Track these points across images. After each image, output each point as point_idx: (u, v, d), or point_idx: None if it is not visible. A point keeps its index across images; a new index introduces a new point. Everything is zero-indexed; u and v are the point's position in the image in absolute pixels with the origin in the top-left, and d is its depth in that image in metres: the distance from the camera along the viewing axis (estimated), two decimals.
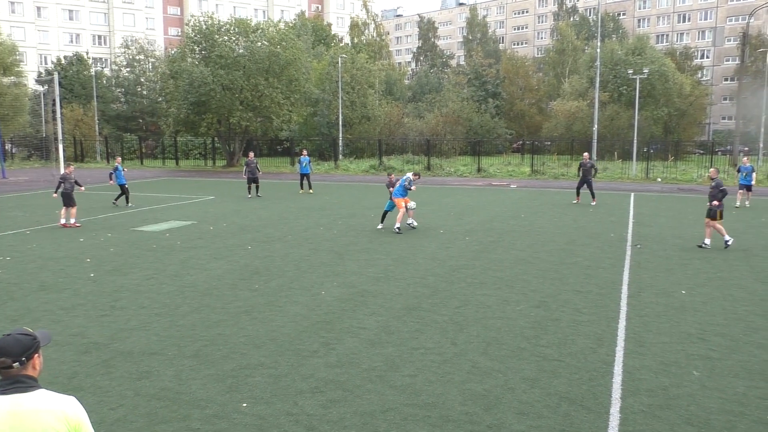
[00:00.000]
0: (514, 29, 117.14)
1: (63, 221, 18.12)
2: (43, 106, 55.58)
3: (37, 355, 3.03)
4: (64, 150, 35.70)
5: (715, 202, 14.38)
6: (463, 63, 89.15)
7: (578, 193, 23.76)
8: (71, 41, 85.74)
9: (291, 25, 59.95)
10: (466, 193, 27.70)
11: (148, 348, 8.04)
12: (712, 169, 16.29)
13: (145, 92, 65.54)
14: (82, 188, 19.36)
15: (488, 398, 6.54)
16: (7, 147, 52.38)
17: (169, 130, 49.15)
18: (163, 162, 51.43)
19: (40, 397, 2.96)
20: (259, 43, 43.87)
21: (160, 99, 54.06)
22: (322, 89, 51.99)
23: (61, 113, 39.76)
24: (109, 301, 10.28)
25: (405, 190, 16.82)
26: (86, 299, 10.39)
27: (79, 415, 2.99)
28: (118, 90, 66.13)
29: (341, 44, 75.52)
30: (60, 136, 34.70)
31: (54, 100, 38.50)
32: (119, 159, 24.61)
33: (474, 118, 59.48)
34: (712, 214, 14.50)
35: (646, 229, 17.36)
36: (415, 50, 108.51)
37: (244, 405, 6.38)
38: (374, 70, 55.54)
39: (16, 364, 2.91)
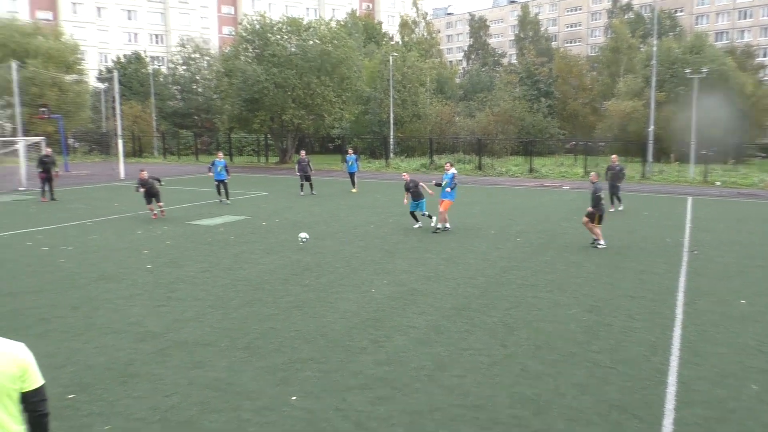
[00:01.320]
0: (567, 27, 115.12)
1: (155, 212, 19.09)
2: (103, 102, 57.38)
3: None
4: (123, 145, 36.79)
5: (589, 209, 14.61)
6: (515, 61, 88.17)
7: (612, 200, 21.42)
8: (130, 40, 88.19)
9: (342, 23, 60.32)
10: (518, 193, 27.39)
11: (201, 339, 8.23)
12: (592, 173, 15.85)
13: (200, 90, 66.92)
14: (162, 183, 19.74)
15: (537, 403, 6.46)
16: (69, 142, 54.29)
17: (223, 127, 50.12)
18: None
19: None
20: (311, 42, 44.28)
21: (215, 96, 55.17)
22: (373, 87, 52.16)
23: (121, 110, 40.99)
24: (166, 292, 10.56)
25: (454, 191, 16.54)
26: (144, 289, 10.70)
27: (26, 359, 3.37)
28: (175, 87, 67.70)
29: (392, 42, 75.62)
30: (120, 132, 35.77)
31: (114, 97, 39.74)
32: (220, 154, 24.53)
33: (526, 117, 58.72)
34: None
35: (703, 235, 16.84)
36: (466, 48, 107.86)
37: (294, 398, 6.47)
38: (425, 68, 55.42)
39: None
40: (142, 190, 18.77)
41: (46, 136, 37.57)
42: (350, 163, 28.09)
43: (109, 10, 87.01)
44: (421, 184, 17.28)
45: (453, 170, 16.68)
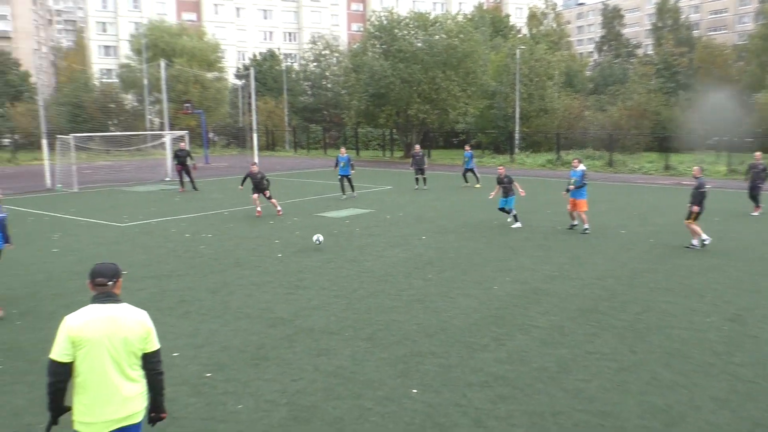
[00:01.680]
0: (711, 14, 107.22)
1: (258, 209, 18.65)
2: (240, 98, 60.63)
3: (120, 279, 4.16)
4: (257, 139, 38.69)
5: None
6: (651, 52, 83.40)
7: (758, 201, 19.36)
8: (265, 38, 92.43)
9: (469, 17, 59.81)
10: (652, 192, 25.97)
11: (327, 327, 8.52)
12: (696, 168, 14.57)
13: (329, 85, 68.99)
14: (267, 191, 18.80)
15: (670, 414, 6.11)
16: (210, 135, 57.88)
17: (350, 122, 51.35)
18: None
19: (126, 307, 4.06)
20: (437, 36, 44.29)
21: (343, 92, 56.61)
22: (499, 81, 51.31)
23: (256, 105, 43.07)
24: (294, 280, 11.02)
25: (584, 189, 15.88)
26: (274, 277, 11.23)
27: (150, 324, 4.11)
28: (306, 83, 70.25)
29: (519, 35, 73.98)
30: (254, 126, 37.63)
31: (250, 93, 41.84)
32: (342, 150, 24.44)
33: (662, 111, 55.47)
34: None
35: None
36: (597, 40, 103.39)
37: (414, 391, 6.54)
38: (553, 61, 53.68)
39: (109, 283, 4.04)
40: (241, 187, 19.04)
41: (189, 130, 40.29)
42: (466, 159, 27.96)
43: (247, 10, 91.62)
44: (515, 183, 16.97)
45: (582, 167, 16.06)
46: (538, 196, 23.62)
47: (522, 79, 49.18)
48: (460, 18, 47.90)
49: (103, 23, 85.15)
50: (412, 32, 45.31)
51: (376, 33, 46.17)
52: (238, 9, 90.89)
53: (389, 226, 16.88)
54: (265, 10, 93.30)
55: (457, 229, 16.30)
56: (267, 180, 18.81)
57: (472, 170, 27.65)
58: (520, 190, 17.11)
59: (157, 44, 59.22)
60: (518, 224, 16.59)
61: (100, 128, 54.82)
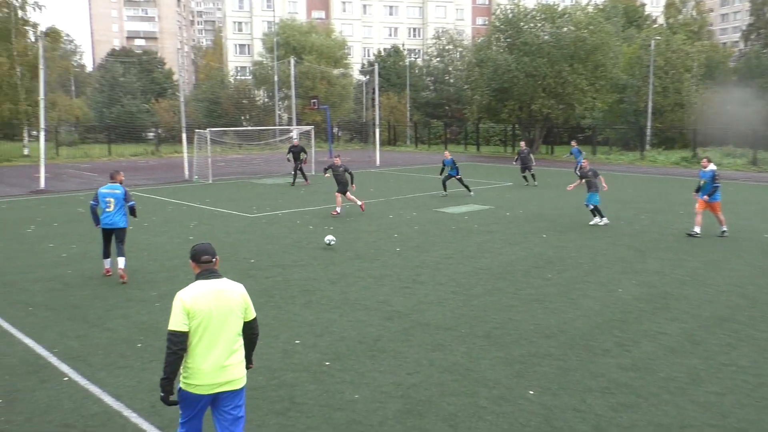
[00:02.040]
0: None
1: (337, 210, 17.80)
2: (364, 94, 61.83)
3: (218, 257, 4.64)
4: (379, 134, 39.32)
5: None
6: None
7: None
8: (390, 34, 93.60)
9: (600, 7, 57.34)
10: None
11: (443, 323, 8.52)
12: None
13: (452, 80, 68.80)
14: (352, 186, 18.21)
15: None
16: (334, 130, 59.53)
17: (472, 117, 50.94)
18: (465, 147, 53.55)
19: (227, 281, 4.56)
20: (565, 29, 42.88)
21: (466, 87, 56.21)
22: (630, 74, 48.87)
23: (379, 101, 43.77)
24: (412, 275, 11.11)
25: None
26: (392, 271, 11.38)
27: (247, 296, 4.61)
28: (428, 78, 70.46)
29: (654, 25, 70.01)
30: (377, 122, 38.27)
31: (374, 89, 42.56)
32: (446, 153, 23.46)
33: None
34: None
35: None
36: (744, 28, 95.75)
37: (531, 392, 6.40)
38: (692, 52, 50.39)
39: (212, 261, 4.54)
40: (327, 175, 18.64)
41: (315, 125, 41.62)
42: (577, 155, 27.22)
43: (374, 6, 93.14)
44: (600, 176, 16.56)
45: (712, 167, 14.85)
46: (670, 196, 22.33)
47: (656, 72, 46.59)
48: (590, 9, 46.06)
49: (239, 23, 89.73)
50: (539, 25, 44.17)
51: (501, 26, 45.43)
52: (364, 6, 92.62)
53: (508, 223, 16.59)
54: (390, 6, 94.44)
55: (579, 228, 15.74)
56: (350, 173, 18.11)
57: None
58: (603, 184, 16.65)
59: (288, 42, 61.68)
60: (605, 220, 16.23)
61: (234, 123, 57.98)
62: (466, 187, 21.85)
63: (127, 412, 5.95)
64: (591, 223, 16.22)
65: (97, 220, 10.98)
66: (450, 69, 69.47)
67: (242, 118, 62.21)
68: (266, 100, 63.77)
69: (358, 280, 10.73)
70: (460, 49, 68.54)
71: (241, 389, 4.52)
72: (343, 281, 10.69)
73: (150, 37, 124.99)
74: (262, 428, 5.66)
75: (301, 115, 52.19)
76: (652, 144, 44.75)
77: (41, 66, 25.58)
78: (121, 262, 10.75)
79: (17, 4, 43.71)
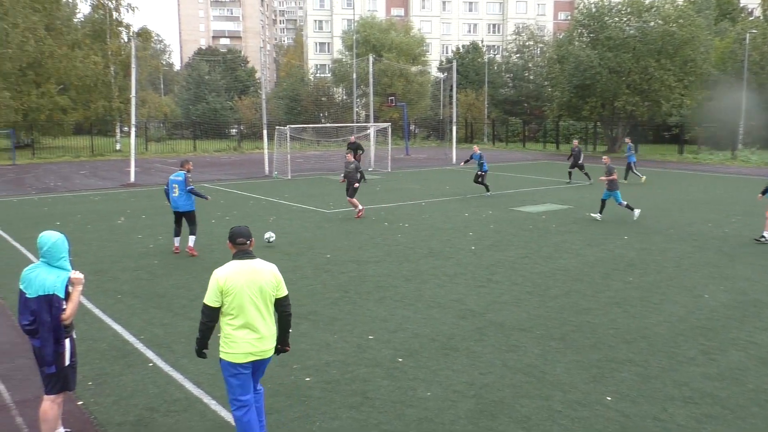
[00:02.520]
0: None
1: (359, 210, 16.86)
2: (441, 91, 61.58)
3: (252, 240, 5.05)
4: (456, 131, 39.08)
5: None
6: None
7: None
8: (469, 31, 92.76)
9: (691, 0, 54.89)
10: None
11: (518, 323, 8.40)
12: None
13: (531, 77, 67.59)
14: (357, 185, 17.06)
15: None
16: (411, 128, 59.59)
17: (552, 114, 49.87)
18: (543, 146, 52.52)
19: (261, 262, 4.98)
20: (653, 23, 41.29)
21: (546, 83, 55.09)
22: (722, 70, 46.58)
23: (457, 98, 43.50)
24: (486, 274, 11.00)
25: None
26: (467, 269, 11.30)
27: (279, 275, 5.04)
28: (507, 75, 69.47)
29: (750, 18, 66.35)
30: (454, 119, 38.05)
31: (451, 86, 42.33)
32: (475, 147, 22.69)
33: None
34: None
35: None
36: None
37: (608, 398, 6.22)
38: None
39: (247, 242, 4.96)
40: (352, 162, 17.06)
41: (392, 122, 41.76)
42: (629, 153, 26.57)
43: (453, 3, 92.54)
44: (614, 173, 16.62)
45: None
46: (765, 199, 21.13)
47: (751, 68, 44.17)
48: (680, 1, 44.15)
49: (320, 21, 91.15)
50: (624, 19, 42.71)
51: (585, 21, 44.20)
52: (443, 2, 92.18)
53: (588, 223, 16.16)
54: (470, 3, 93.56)
55: (663, 230, 15.15)
56: (361, 173, 17.10)
57: (630, 164, 26.30)
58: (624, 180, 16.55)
59: (367, 40, 62.21)
60: (599, 216, 16.59)
61: (313, 120, 59.03)
62: (486, 186, 21.33)
63: (207, 399, 6.17)
64: (592, 215, 16.76)
65: (169, 200, 12.78)
66: (530, 65, 68.24)
67: (321, 115, 63.26)
68: (344, 97, 64.56)
69: (432, 278, 10.71)
70: (541, 45, 67.20)
71: (269, 359, 5.04)
72: (417, 278, 10.70)
73: (234, 36, 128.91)
74: (335, 421, 5.74)
75: (378, 113, 52.51)
76: (744, 143, 42.51)
77: (133, 65, 26.80)
78: (190, 240, 12.37)
79: (112, 6, 46.03)
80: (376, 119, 47.61)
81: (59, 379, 5.09)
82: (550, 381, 6.63)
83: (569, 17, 72.26)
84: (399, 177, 26.42)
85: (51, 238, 5.06)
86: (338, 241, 13.86)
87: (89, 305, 9.09)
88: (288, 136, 29.23)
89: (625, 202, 16.56)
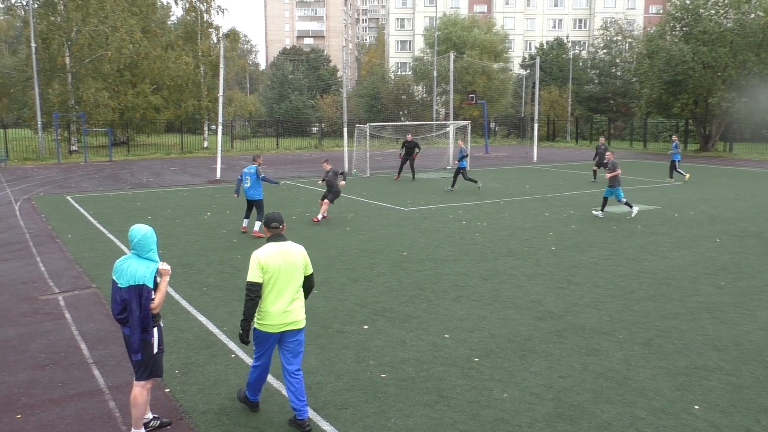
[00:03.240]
0: None
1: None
2: (523, 88, 60.57)
3: (285, 224, 5.74)
4: (538, 129, 38.32)
5: None
6: None
7: None
8: (554, 27, 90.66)
9: None
10: None
11: (599, 326, 8.15)
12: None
13: (619, 73, 65.38)
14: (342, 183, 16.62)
15: None
16: (491, 126, 58.88)
17: (640, 112, 48.07)
18: (630, 144, 50.73)
19: (292, 244, 5.64)
20: (753, 15, 39.05)
21: (634, 80, 53.13)
22: None
23: (539, 95, 42.63)
24: (566, 275, 10.73)
25: None
26: (546, 270, 11.06)
27: (306, 255, 5.67)
28: (593, 72, 67.48)
29: None
30: (536, 117, 37.33)
31: (534, 83, 41.53)
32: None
33: None
34: None
35: None
36: None
37: (696, 407, 5.94)
38: None
39: (280, 227, 5.66)
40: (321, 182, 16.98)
41: (472, 120, 41.40)
42: (675, 150, 25.49)
43: None
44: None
45: None
46: None
47: None
48: None
49: (402, 19, 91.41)
50: (721, 12, 40.61)
51: (678, 14, 42.32)
52: None
53: (676, 224, 15.48)
54: None
55: (761, 233, 14.32)
56: (343, 173, 16.74)
57: (674, 163, 25.35)
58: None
59: (449, 37, 61.93)
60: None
61: (392, 118, 59.32)
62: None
63: (285, 392, 6.32)
64: (633, 214, 16.54)
65: (237, 191, 14.82)
66: (617, 61, 66.02)
67: (400, 113, 63.47)
68: (424, 95, 64.52)
69: (510, 278, 10.55)
70: (630, 40, 64.86)
71: (302, 329, 5.62)
72: (495, 278, 10.56)
73: (318, 35, 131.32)
74: (410, 419, 5.75)
75: (458, 110, 52.20)
76: None
77: (221, 65, 27.74)
78: (256, 225, 14.15)
79: (203, 9, 47.82)
80: (456, 117, 47.32)
81: (147, 366, 5.33)
82: (633, 387, 6.40)
83: (661, 11, 69.42)
84: (478, 175, 26.14)
85: (141, 230, 5.31)
86: (415, 238, 13.87)
87: (176, 297, 9.49)
88: (368, 134, 29.49)
89: (625, 199, 16.55)
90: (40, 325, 8.33)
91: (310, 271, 5.71)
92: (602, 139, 26.08)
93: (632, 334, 7.90)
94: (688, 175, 25.62)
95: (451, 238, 13.93)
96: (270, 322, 5.46)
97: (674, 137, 26.70)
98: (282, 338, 5.55)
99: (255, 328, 5.54)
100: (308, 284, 5.72)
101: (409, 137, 26.09)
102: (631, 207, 16.56)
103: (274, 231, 5.63)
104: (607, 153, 17.79)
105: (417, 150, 25.95)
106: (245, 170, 14.31)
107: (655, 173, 28.58)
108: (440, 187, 23.39)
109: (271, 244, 5.56)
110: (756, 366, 6.90)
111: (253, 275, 5.44)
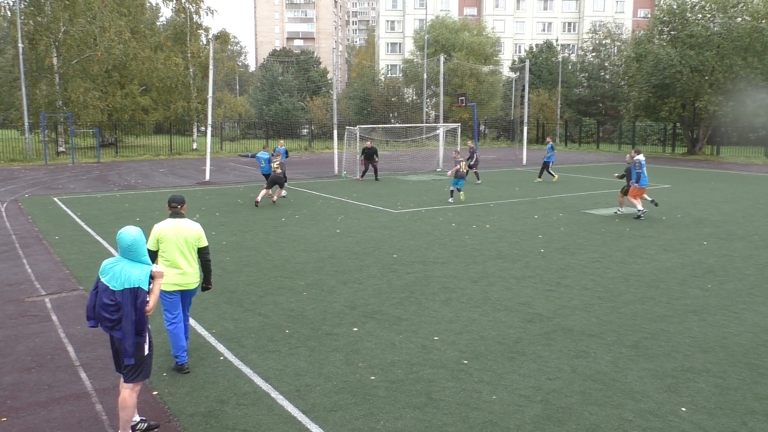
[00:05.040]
0: None
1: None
2: (513, 91, 60.75)
3: (184, 205, 6.90)
4: (527, 132, 38.45)
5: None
6: None
7: None
8: (543, 30, 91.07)
9: None
10: None
11: (587, 329, 8.18)
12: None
13: (607, 76, 65.76)
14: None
15: None
16: (481, 128, 59.02)
17: (628, 115, 48.39)
18: (619, 147, 50.99)
19: (187, 221, 6.81)
20: (740, 19, 39.42)
21: (622, 83, 53.49)
22: None
23: (529, 98, 42.78)
24: (556, 277, 10.77)
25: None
26: (535, 272, 11.10)
27: (201, 231, 6.87)
28: (582, 75, 67.83)
29: None
30: (525, 119, 37.45)
31: (523, 86, 41.68)
32: (282, 142, 24.28)
33: None
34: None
35: None
36: None
37: (683, 409, 5.98)
38: None
39: (177, 206, 6.83)
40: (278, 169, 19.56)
41: (462, 122, 41.46)
42: (549, 153, 26.34)
43: (528, 1, 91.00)
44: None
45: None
46: None
47: None
48: None
49: (392, 21, 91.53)
50: (708, 16, 40.95)
51: (665, 18, 42.64)
52: (518, 1, 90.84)
53: (664, 227, 15.58)
54: (545, 0, 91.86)
55: (747, 236, 14.44)
56: (284, 175, 19.71)
57: (546, 164, 26.17)
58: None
59: (438, 40, 62.03)
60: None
61: (383, 120, 59.36)
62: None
63: (275, 394, 6.30)
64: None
65: (249, 156, 21.93)
66: (606, 64, 66.42)
67: (391, 115, 63.52)
68: (414, 97, 64.60)
69: (499, 280, 10.58)
70: (618, 44, 65.26)
71: (193, 290, 6.91)
72: (484, 280, 10.59)
73: (308, 37, 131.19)
74: (399, 421, 5.75)
75: (448, 113, 52.30)
76: None
77: (211, 66, 27.65)
78: (282, 191, 19.69)
79: (192, 10, 47.66)
80: (446, 119, 47.42)
81: (139, 369, 5.30)
82: (621, 389, 6.43)
83: (649, 15, 69.90)
84: (467, 178, 26.20)
85: (131, 235, 5.26)
86: (405, 241, 13.88)
87: None
88: (358, 136, 29.49)
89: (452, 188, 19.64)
90: (26, 328, 8.26)
91: (204, 244, 6.84)
92: (548, 139, 27.33)
93: (620, 336, 7.94)
94: (556, 177, 26.29)
95: (441, 240, 13.95)
96: (168, 281, 6.53)
97: (548, 139, 27.51)
98: (182, 297, 6.82)
99: (162, 290, 6.42)
100: (202, 256, 6.86)
101: (368, 144, 26.95)
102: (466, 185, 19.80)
103: (173, 209, 6.81)
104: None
105: (376, 157, 26.87)
106: (258, 155, 20.74)
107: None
108: (431, 189, 23.42)
109: (169, 220, 6.78)
110: (742, 368, 6.96)
111: (149, 243, 6.53)
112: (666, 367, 6.97)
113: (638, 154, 16.67)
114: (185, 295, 6.89)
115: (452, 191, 20.25)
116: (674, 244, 13.61)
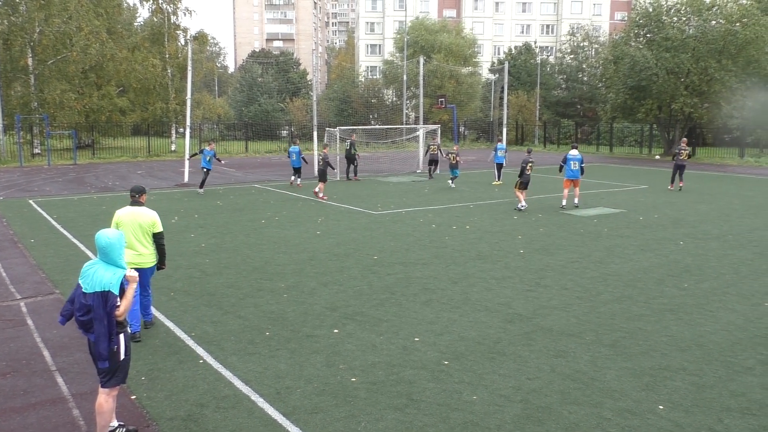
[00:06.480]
0: None
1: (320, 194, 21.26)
2: (492, 92, 61.09)
3: (144, 194, 7.96)
4: (506, 133, 38.66)
5: None
6: None
7: None
8: (522, 32, 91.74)
9: None
10: None
11: (566, 329, 8.25)
12: None
13: (585, 78, 66.39)
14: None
15: None
16: (461, 130, 59.24)
17: (605, 116, 48.89)
18: (596, 148, 51.51)
19: (144, 208, 7.82)
20: (714, 22, 40.03)
21: (600, 85, 54.03)
22: None
23: (508, 100, 43.05)
24: (535, 277, 10.85)
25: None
26: (515, 273, 11.17)
27: (156, 218, 7.87)
28: (560, 77, 68.40)
29: None
30: (504, 121, 37.66)
31: (502, 88, 41.93)
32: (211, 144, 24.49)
33: None
34: None
35: None
36: None
37: (661, 407, 6.05)
38: None
39: (136, 195, 7.87)
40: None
41: (442, 124, 41.57)
42: (499, 153, 27.31)
43: (506, 4, 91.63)
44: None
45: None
46: None
47: None
48: (744, 0, 42.68)
49: (372, 23, 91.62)
50: (684, 19, 41.53)
51: (641, 21, 43.17)
52: (497, 3, 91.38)
53: (641, 228, 15.76)
54: (523, 3, 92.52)
55: (722, 236, 14.66)
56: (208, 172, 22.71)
57: (500, 165, 26.98)
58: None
59: (417, 41, 62.19)
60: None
61: (363, 122, 59.34)
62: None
63: (255, 397, 6.27)
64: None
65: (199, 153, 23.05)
66: (584, 66, 67.05)
67: (370, 116, 63.52)
68: (394, 99, 64.67)
69: (479, 281, 10.63)
70: (596, 46, 65.92)
71: (149, 269, 7.91)
72: (464, 281, 10.63)
73: (287, 38, 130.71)
74: (380, 422, 5.75)
75: (428, 114, 52.40)
76: None
77: (189, 68, 27.44)
78: (298, 180, 23.91)
79: (170, 10, 47.27)
80: (426, 121, 47.52)
81: (114, 373, 5.24)
82: (600, 388, 6.49)
83: (626, 17, 70.69)
84: (447, 179, 26.29)
85: (108, 236, 5.22)
86: (385, 242, 13.88)
87: None
88: (338, 137, 29.44)
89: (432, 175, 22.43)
90: (1, 332, 8.13)
91: (158, 230, 7.83)
92: (500, 138, 28.10)
93: (599, 335, 8.01)
94: (501, 182, 26.23)
95: (421, 241, 13.97)
96: (126, 260, 6.56)
97: (498, 139, 27.97)
98: (140, 274, 7.44)
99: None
100: (156, 240, 7.85)
101: (353, 136, 28.17)
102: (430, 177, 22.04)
103: (133, 198, 7.86)
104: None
105: (354, 151, 27.78)
106: (291, 149, 25.09)
107: (622, 177, 29.08)
108: (411, 190, 23.46)
109: (128, 207, 7.82)
110: (718, 366, 7.06)
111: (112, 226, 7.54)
112: (644, 366, 7.05)
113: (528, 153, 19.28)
114: (142, 274, 7.69)
115: (452, 179, 24.39)
116: (651, 243, 13.77)
